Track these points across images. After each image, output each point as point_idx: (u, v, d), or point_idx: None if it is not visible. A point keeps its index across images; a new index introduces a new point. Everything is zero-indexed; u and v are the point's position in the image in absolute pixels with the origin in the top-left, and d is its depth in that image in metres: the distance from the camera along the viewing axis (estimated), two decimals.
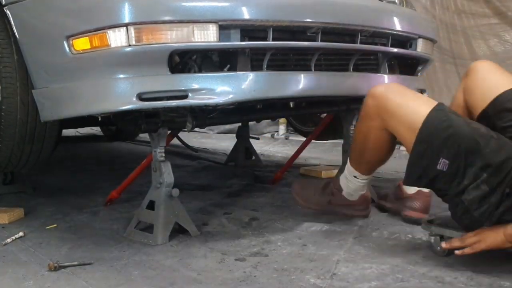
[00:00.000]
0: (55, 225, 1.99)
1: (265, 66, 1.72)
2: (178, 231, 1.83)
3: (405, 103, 1.59)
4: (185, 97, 1.59)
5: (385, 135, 1.68)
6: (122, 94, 1.56)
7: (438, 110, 1.52)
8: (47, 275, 1.50)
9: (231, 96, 1.62)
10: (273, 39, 1.69)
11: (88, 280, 1.46)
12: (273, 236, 1.84)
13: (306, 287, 1.42)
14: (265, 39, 1.69)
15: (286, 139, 4.89)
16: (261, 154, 3.73)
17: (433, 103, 1.55)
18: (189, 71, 1.67)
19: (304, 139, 3.10)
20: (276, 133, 5.10)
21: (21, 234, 1.84)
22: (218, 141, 4.77)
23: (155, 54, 1.55)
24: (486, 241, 1.49)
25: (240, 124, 3.22)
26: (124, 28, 1.51)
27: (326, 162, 3.44)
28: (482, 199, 1.45)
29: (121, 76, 1.56)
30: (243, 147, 3.27)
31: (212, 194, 2.52)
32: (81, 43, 1.58)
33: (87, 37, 1.56)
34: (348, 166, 1.91)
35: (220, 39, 1.59)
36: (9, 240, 1.78)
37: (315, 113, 3.01)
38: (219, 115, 1.87)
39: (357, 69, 1.99)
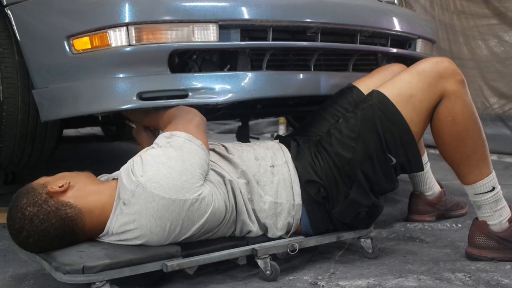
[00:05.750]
0: None
1: (265, 66, 1.73)
2: None
3: None
4: (185, 96, 1.60)
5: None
6: (123, 93, 1.57)
7: None
8: (48, 275, 1.51)
9: (231, 95, 1.62)
10: (273, 39, 1.69)
11: None
12: None
13: (305, 286, 1.43)
14: (265, 39, 1.69)
15: None
16: None
17: None
18: (189, 71, 1.67)
19: None
20: (276, 133, 5.10)
21: None
22: (218, 141, 4.76)
23: (155, 53, 1.55)
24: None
25: (240, 124, 3.22)
26: (125, 28, 1.52)
27: None
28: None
29: (122, 75, 1.57)
30: None
31: None
32: (82, 43, 1.58)
33: (88, 37, 1.57)
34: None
35: (220, 39, 1.59)
36: None
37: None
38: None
39: (356, 69, 2.00)
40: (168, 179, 1.32)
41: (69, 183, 1.39)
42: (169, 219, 1.33)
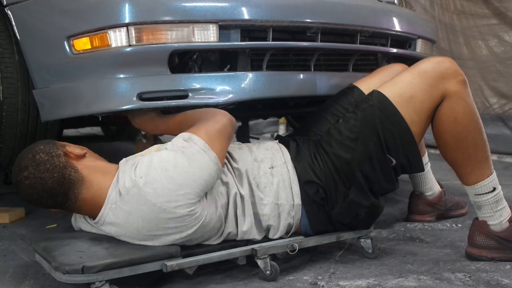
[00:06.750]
0: (55, 225, 1.99)
1: (265, 66, 1.73)
2: None
3: None
4: (186, 96, 1.60)
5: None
6: (123, 94, 1.57)
7: None
8: (48, 275, 1.51)
9: (231, 95, 1.62)
10: (273, 39, 1.69)
11: None
12: None
13: (305, 286, 1.43)
14: (265, 39, 1.69)
15: None
16: None
17: None
18: (189, 71, 1.67)
19: None
20: (276, 133, 5.10)
21: None
22: None
23: (155, 54, 1.55)
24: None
25: (240, 124, 3.23)
26: (125, 28, 1.52)
27: None
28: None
29: (122, 76, 1.57)
30: None
31: None
32: (82, 43, 1.58)
33: (88, 37, 1.57)
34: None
35: (220, 39, 1.59)
36: None
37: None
38: None
39: (356, 69, 2.00)
40: (164, 189, 1.33)
41: (85, 153, 1.47)
42: (156, 224, 1.36)
